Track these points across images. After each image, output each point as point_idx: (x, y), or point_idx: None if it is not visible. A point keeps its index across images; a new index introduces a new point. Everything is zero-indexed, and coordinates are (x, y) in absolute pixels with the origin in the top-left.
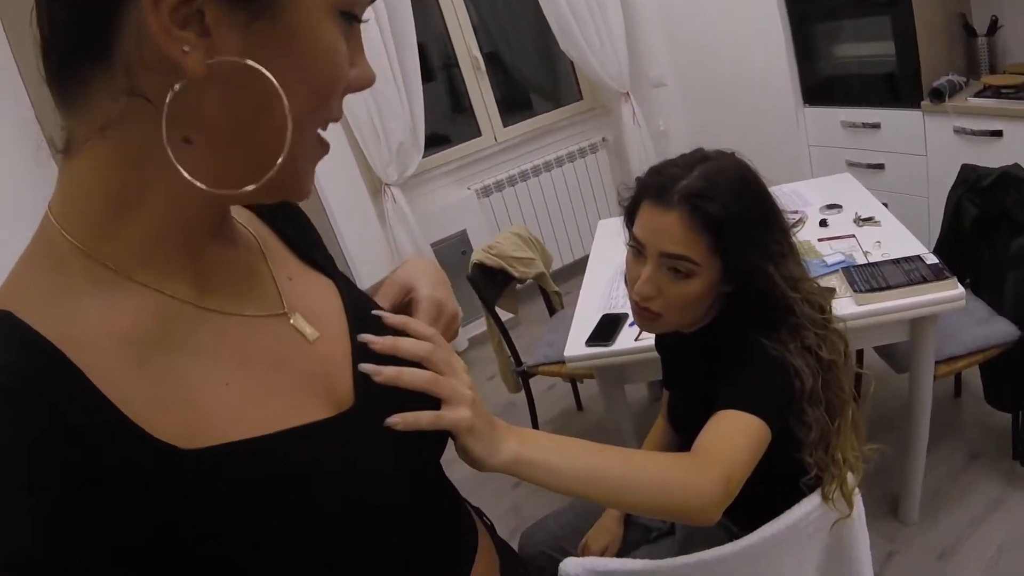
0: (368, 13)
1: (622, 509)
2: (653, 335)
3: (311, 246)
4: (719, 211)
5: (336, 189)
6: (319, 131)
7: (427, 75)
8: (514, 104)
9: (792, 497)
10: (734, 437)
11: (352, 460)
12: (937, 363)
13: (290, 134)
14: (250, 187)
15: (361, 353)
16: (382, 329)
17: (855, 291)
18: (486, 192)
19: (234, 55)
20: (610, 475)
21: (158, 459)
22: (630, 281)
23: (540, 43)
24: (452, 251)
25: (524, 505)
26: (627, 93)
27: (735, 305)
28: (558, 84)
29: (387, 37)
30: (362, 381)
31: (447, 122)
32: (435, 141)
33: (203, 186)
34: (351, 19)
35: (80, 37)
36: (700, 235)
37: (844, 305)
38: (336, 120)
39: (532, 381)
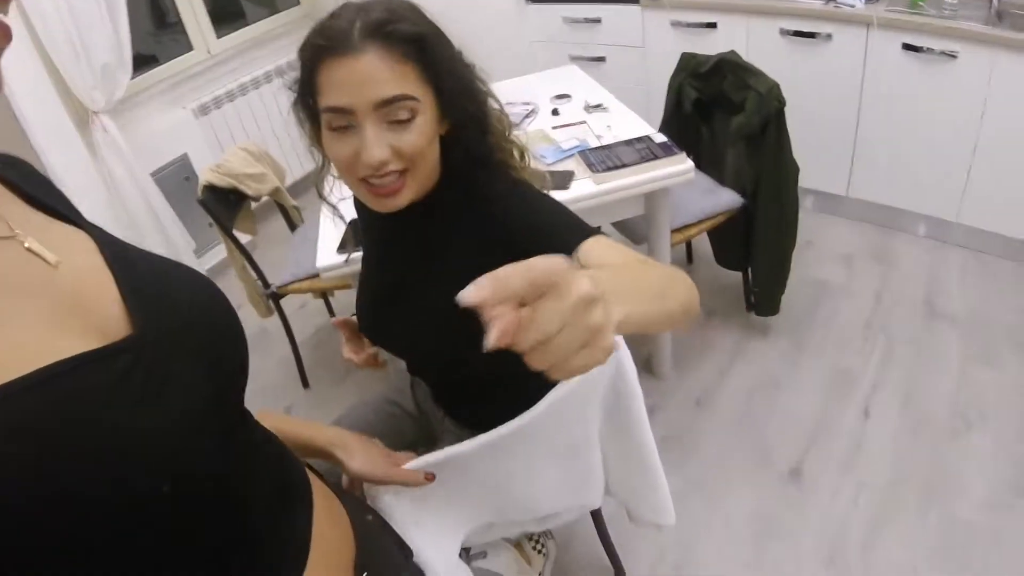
0: None
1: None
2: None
3: (48, 196)
4: (413, 27)
5: (39, 121)
6: None
7: None
8: (225, 15)
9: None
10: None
11: (142, 395)
12: (671, 232)
13: None
14: None
15: (130, 283)
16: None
17: (593, 172)
18: (204, 110)
19: None
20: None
21: None
22: (346, 164)
23: None
24: (174, 178)
25: None
26: None
27: (454, 158)
28: None
29: None
30: (138, 308)
31: (151, 41)
32: (141, 63)
33: None
34: None
35: None
36: (405, 63)
37: (584, 186)
38: None
39: (283, 303)
